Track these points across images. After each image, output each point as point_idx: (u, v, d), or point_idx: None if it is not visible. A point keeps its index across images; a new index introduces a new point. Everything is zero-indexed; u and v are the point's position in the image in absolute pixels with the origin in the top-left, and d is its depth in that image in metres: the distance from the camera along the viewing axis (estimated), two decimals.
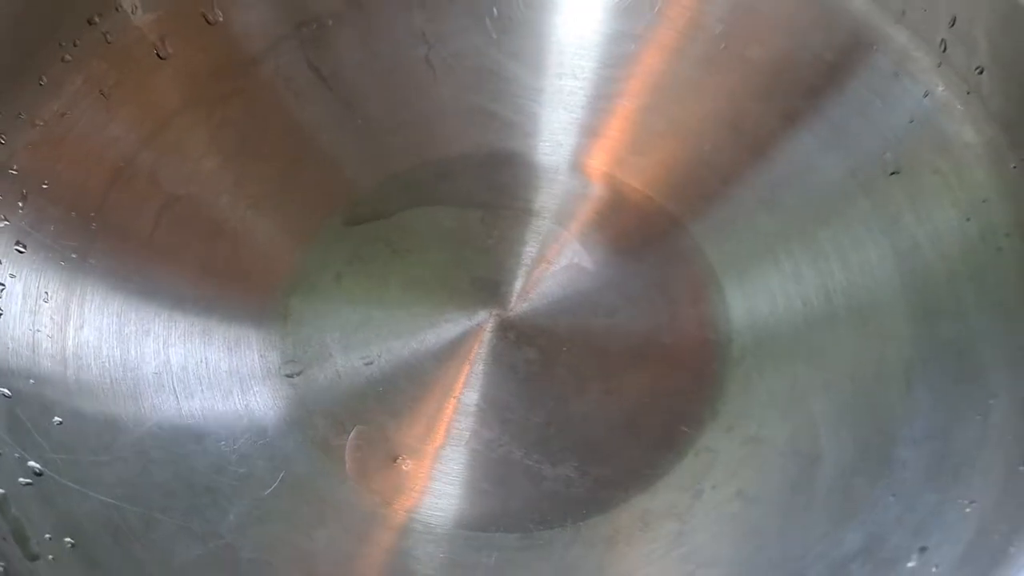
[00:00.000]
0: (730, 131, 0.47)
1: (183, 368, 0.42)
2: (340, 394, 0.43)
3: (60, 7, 0.42)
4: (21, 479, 0.36)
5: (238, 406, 0.42)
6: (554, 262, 0.46)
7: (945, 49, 0.43)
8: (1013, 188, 0.41)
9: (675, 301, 0.45)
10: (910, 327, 0.41)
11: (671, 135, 0.48)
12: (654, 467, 0.41)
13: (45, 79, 0.42)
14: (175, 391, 0.41)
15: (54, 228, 0.41)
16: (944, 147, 0.43)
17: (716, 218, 0.46)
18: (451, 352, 0.44)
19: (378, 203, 0.47)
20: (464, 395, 0.43)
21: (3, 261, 0.40)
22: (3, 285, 0.40)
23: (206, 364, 0.42)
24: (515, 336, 0.44)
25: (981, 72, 0.42)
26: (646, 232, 0.47)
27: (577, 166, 0.48)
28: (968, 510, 0.35)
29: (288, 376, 0.43)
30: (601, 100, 0.48)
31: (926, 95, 0.43)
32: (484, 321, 0.44)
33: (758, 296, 0.45)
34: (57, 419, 0.38)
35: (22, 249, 0.40)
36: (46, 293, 0.40)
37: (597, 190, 0.48)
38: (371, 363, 0.43)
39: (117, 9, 0.43)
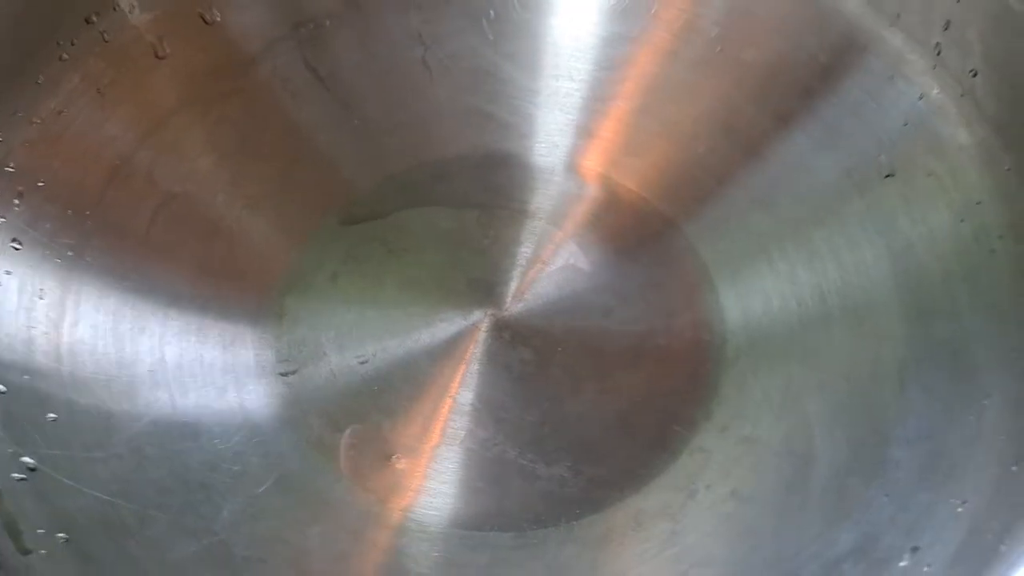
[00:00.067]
0: (725, 132, 0.47)
1: (178, 366, 0.42)
2: (335, 393, 0.43)
3: (58, 6, 0.42)
4: (15, 474, 0.36)
5: (233, 404, 0.42)
6: (549, 263, 0.46)
7: (939, 52, 0.43)
8: (1006, 190, 0.41)
9: (670, 302, 0.45)
10: (904, 327, 0.42)
11: (666, 136, 0.48)
12: (648, 467, 0.41)
13: (42, 77, 0.42)
14: (170, 388, 0.41)
15: (50, 225, 0.41)
16: (938, 149, 0.43)
17: (711, 219, 0.47)
18: (446, 352, 0.44)
19: (374, 203, 0.47)
20: (459, 394, 0.43)
21: None
22: None
23: (201, 362, 0.42)
24: (510, 336, 0.44)
25: (975, 75, 0.42)
26: (641, 233, 0.47)
27: (573, 167, 0.48)
28: (960, 510, 0.35)
29: (283, 374, 0.43)
30: (597, 102, 0.48)
31: (921, 97, 0.44)
32: (479, 321, 0.44)
33: (752, 296, 0.45)
34: (52, 415, 0.38)
35: (18, 246, 0.40)
36: (41, 290, 0.40)
37: (592, 191, 0.48)
38: (366, 362, 0.43)
39: (115, 8, 0.43)
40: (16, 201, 0.41)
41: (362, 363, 0.43)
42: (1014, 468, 0.35)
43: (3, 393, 0.38)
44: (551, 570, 0.39)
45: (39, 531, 0.36)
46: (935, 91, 0.43)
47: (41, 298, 0.40)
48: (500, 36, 0.49)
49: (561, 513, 0.40)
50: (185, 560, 0.38)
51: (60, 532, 0.36)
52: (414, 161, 0.48)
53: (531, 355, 0.44)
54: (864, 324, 0.42)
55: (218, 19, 0.46)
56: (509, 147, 0.49)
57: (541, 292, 0.45)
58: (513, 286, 0.45)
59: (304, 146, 0.48)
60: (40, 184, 0.41)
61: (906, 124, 0.44)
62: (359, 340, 0.44)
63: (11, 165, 0.41)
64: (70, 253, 0.41)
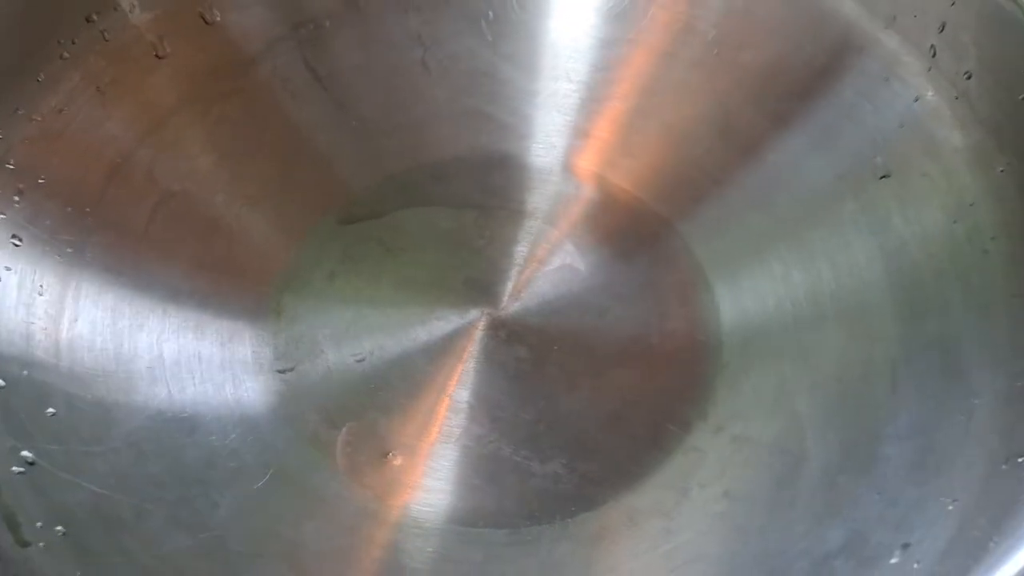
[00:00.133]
0: (721, 133, 0.47)
1: (176, 362, 0.42)
2: (332, 390, 0.43)
3: (59, 5, 0.42)
4: (14, 468, 0.37)
5: (230, 400, 0.42)
6: (546, 262, 0.46)
7: (935, 54, 0.43)
8: (999, 192, 0.41)
9: (665, 301, 0.45)
10: (897, 327, 0.42)
11: (663, 137, 0.48)
12: (642, 465, 0.42)
13: (43, 76, 0.42)
14: (168, 384, 0.41)
15: (50, 222, 0.41)
16: (933, 151, 0.43)
17: (707, 219, 0.47)
18: (443, 350, 0.44)
19: (373, 203, 0.48)
20: (455, 392, 0.43)
21: None
22: None
23: (199, 358, 0.42)
24: (506, 335, 0.44)
25: (969, 77, 0.42)
26: (637, 233, 0.47)
27: (570, 168, 0.49)
28: (951, 507, 0.35)
29: (280, 372, 0.43)
30: (594, 103, 0.49)
31: (916, 99, 0.44)
32: (476, 320, 0.44)
33: (747, 297, 0.45)
34: (51, 410, 0.39)
35: (18, 242, 0.40)
36: (41, 286, 0.41)
37: (589, 191, 0.48)
38: (363, 360, 0.44)
39: (115, 8, 0.44)
40: (16, 198, 0.41)
41: (359, 361, 0.44)
42: (1004, 466, 0.35)
43: (2, 388, 0.38)
44: (545, 567, 0.40)
45: (37, 524, 0.36)
46: (930, 93, 0.43)
47: (41, 294, 0.40)
48: (499, 37, 0.49)
49: (555, 510, 0.41)
50: (181, 554, 0.38)
51: (58, 525, 0.36)
52: (412, 161, 0.49)
53: (527, 354, 0.44)
54: (857, 324, 0.43)
55: (218, 19, 0.46)
56: (507, 148, 0.49)
57: (537, 291, 0.45)
58: (510, 285, 0.45)
59: (303, 146, 0.48)
60: (40, 181, 0.41)
61: (901, 126, 0.44)
62: (356, 338, 0.44)
63: (11, 162, 0.41)
64: (70, 250, 0.42)
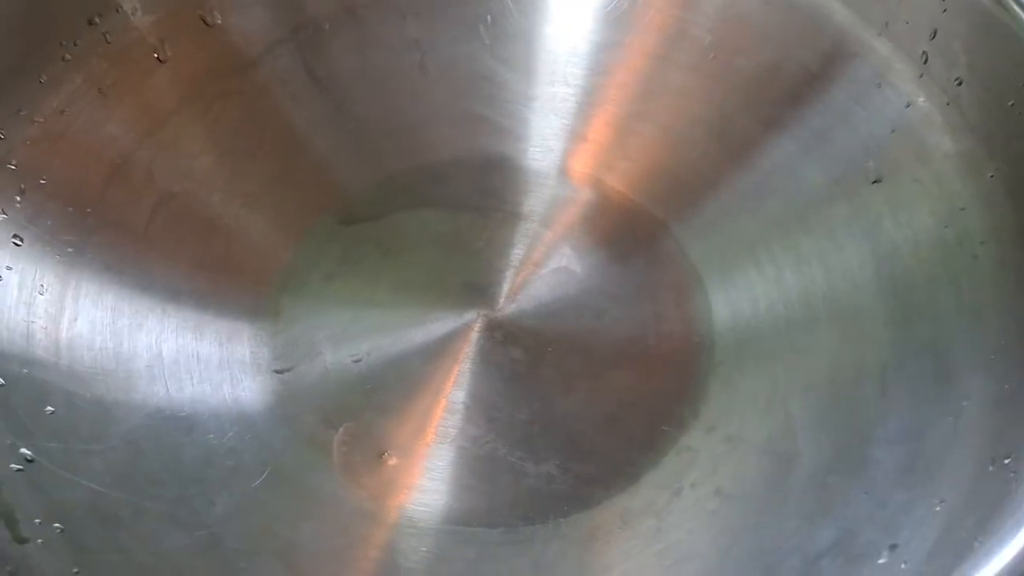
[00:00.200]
0: (716, 137, 0.48)
1: (175, 361, 0.42)
2: (329, 390, 0.43)
3: (61, 7, 0.42)
4: (13, 465, 0.37)
5: (228, 400, 0.42)
6: (542, 264, 0.47)
7: (926, 61, 0.43)
8: (989, 197, 0.41)
9: (659, 303, 0.46)
10: (888, 331, 0.42)
11: (659, 141, 0.48)
12: (635, 466, 0.42)
13: (45, 77, 0.42)
14: (166, 383, 0.42)
15: (51, 222, 0.42)
16: (924, 156, 0.43)
17: (701, 222, 0.47)
18: (439, 351, 0.44)
19: (371, 204, 0.48)
20: (452, 393, 0.43)
21: (0, 254, 0.41)
22: (0, 277, 0.40)
23: (198, 358, 0.43)
24: (502, 336, 0.44)
25: (960, 84, 0.42)
26: (633, 235, 0.47)
27: (566, 170, 0.49)
28: (938, 508, 0.36)
29: (278, 372, 0.43)
30: (590, 106, 0.49)
31: (908, 105, 0.44)
32: (472, 321, 0.45)
33: (741, 299, 0.45)
34: (50, 408, 0.39)
35: (19, 242, 0.41)
36: (42, 285, 0.41)
37: (585, 194, 0.48)
38: (360, 361, 0.44)
39: (117, 10, 0.44)
40: (18, 198, 0.41)
41: (356, 362, 0.44)
42: (991, 468, 0.35)
43: (2, 386, 0.38)
44: (538, 566, 0.40)
45: (35, 521, 0.36)
46: (922, 99, 0.44)
47: (41, 293, 0.41)
48: (496, 41, 0.49)
49: (549, 510, 0.41)
50: (177, 552, 0.38)
51: (56, 522, 0.36)
52: (410, 163, 0.49)
53: (523, 355, 0.44)
54: (849, 327, 0.43)
55: (219, 21, 0.46)
56: (504, 150, 0.49)
57: (533, 293, 0.46)
58: (506, 287, 0.46)
59: (302, 147, 0.48)
60: (42, 181, 0.42)
61: (893, 131, 0.44)
62: (354, 339, 0.44)
63: (13, 163, 0.41)
64: (70, 249, 0.42)
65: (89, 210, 0.43)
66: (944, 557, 0.33)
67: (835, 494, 0.39)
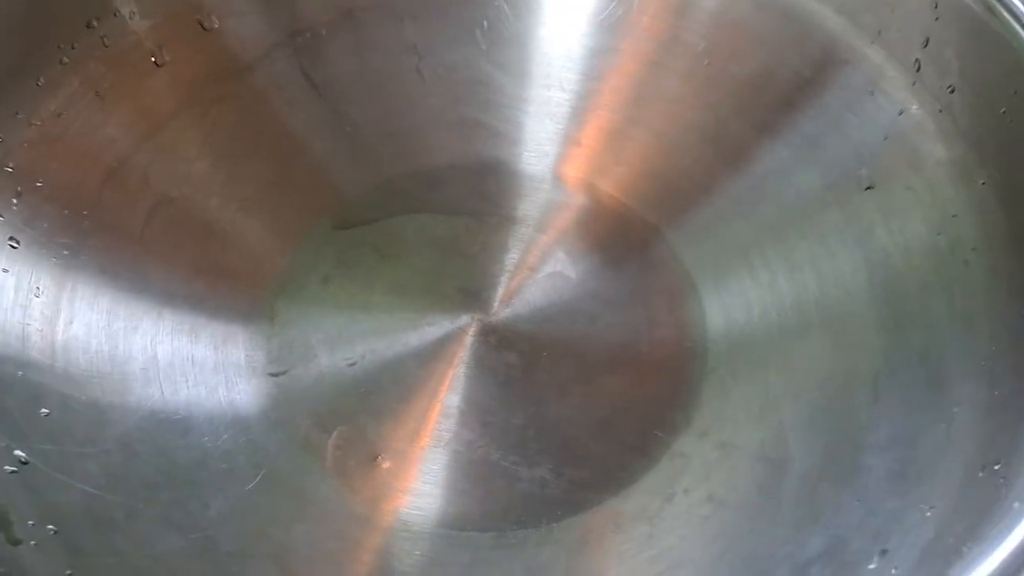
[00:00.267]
0: (710, 143, 0.48)
1: (170, 364, 0.42)
2: (323, 394, 0.43)
3: (59, 11, 0.42)
4: (7, 467, 0.37)
5: (223, 403, 0.42)
6: (537, 269, 0.47)
7: (919, 68, 0.44)
8: (981, 204, 0.41)
9: (653, 309, 0.46)
10: (880, 337, 0.42)
11: (652, 146, 0.49)
12: (628, 471, 0.42)
13: (43, 80, 0.42)
14: (161, 386, 0.42)
15: (47, 225, 0.42)
16: (917, 163, 0.43)
17: (695, 227, 0.47)
18: (434, 355, 0.44)
19: (367, 209, 0.48)
20: (446, 397, 0.43)
21: None
22: None
23: (193, 361, 0.43)
24: (496, 340, 0.45)
25: (952, 91, 0.42)
26: (627, 241, 0.48)
27: (561, 175, 0.49)
28: (928, 514, 0.36)
29: (273, 375, 0.44)
30: (585, 111, 0.49)
31: (901, 113, 0.44)
32: (467, 325, 0.45)
33: (734, 305, 0.46)
34: (45, 410, 0.39)
35: (15, 245, 0.41)
36: (38, 288, 0.41)
37: (580, 199, 0.49)
38: (354, 364, 0.44)
39: (115, 14, 0.44)
40: (14, 200, 0.41)
41: (351, 365, 0.44)
42: (980, 474, 0.35)
43: None
44: (531, 570, 0.40)
45: (29, 523, 0.36)
46: (914, 107, 0.44)
47: (37, 295, 0.41)
48: (493, 46, 0.49)
49: (542, 514, 0.41)
50: (172, 554, 0.38)
51: (50, 524, 0.36)
52: (406, 168, 0.49)
53: (517, 359, 0.44)
54: (841, 333, 0.43)
55: (216, 26, 0.47)
56: (499, 155, 0.49)
57: (528, 298, 0.46)
58: (500, 292, 0.46)
59: (299, 152, 0.48)
60: (38, 184, 0.42)
61: (886, 138, 0.45)
62: (348, 343, 0.44)
63: (10, 165, 0.41)
64: (66, 252, 0.42)
65: (85, 213, 0.43)
66: (933, 563, 0.33)
67: (827, 500, 0.39)
